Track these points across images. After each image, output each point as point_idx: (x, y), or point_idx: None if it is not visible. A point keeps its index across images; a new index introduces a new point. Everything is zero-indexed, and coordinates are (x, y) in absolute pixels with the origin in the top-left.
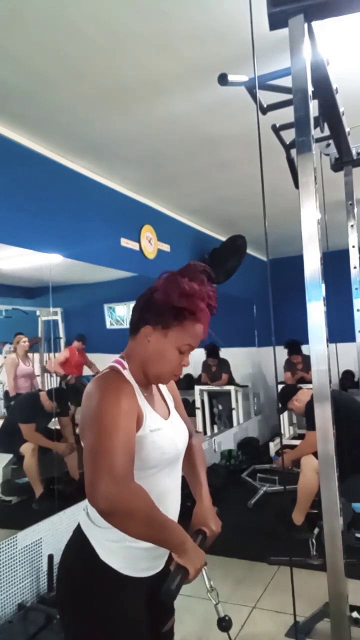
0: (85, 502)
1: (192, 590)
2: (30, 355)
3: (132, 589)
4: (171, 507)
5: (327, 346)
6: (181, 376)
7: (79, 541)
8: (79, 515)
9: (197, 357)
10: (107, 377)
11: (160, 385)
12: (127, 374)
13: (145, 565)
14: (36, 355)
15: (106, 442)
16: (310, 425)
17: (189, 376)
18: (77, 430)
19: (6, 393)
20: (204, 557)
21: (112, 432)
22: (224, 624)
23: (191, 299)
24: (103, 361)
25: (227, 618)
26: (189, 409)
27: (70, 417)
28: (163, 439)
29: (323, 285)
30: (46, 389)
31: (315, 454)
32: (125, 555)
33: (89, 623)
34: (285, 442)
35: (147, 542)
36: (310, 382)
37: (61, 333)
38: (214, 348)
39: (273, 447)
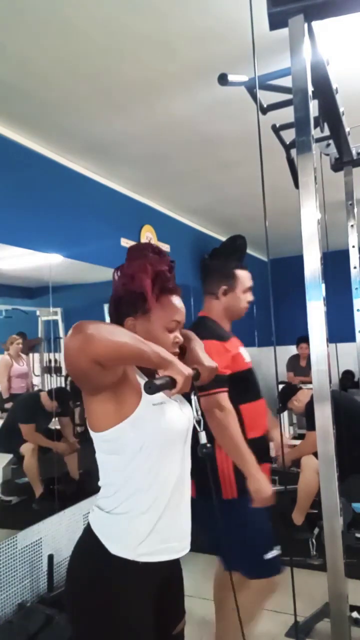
0: (89, 501)
1: (192, 590)
2: (24, 356)
3: (143, 582)
4: (184, 496)
5: (327, 346)
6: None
7: (87, 539)
8: (90, 514)
9: None
10: None
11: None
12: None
13: (158, 548)
14: (36, 356)
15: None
16: (310, 425)
17: None
18: (86, 421)
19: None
20: (191, 374)
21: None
22: (205, 450)
23: (135, 277)
24: None
25: (208, 446)
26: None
27: (70, 416)
28: (169, 411)
29: (323, 285)
30: (46, 388)
31: (315, 454)
32: (140, 541)
33: (97, 621)
34: (286, 442)
35: (158, 524)
36: (309, 382)
37: (61, 333)
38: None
39: (273, 447)
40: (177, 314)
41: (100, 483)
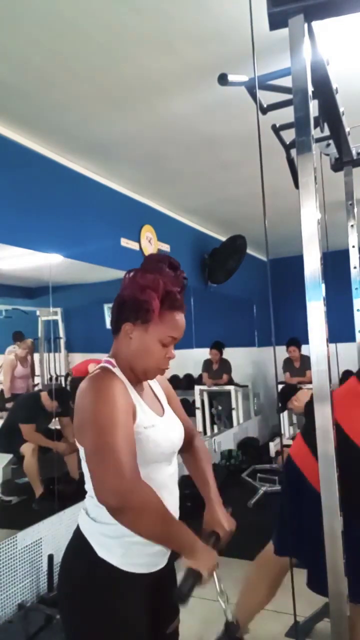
0: (84, 503)
1: (188, 605)
2: (29, 358)
3: (132, 586)
4: (169, 504)
5: (327, 346)
6: (180, 376)
7: (78, 541)
8: (78, 517)
9: (198, 357)
10: (98, 376)
11: (152, 384)
12: (117, 372)
13: (144, 560)
14: (36, 356)
15: (108, 440)
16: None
17: (189, 376)
18: (74, 431)
19: (1, 393)
20: (216, 558)
21: (112, 430)
22: (232, 628)
23: (146, 291)
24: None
25: (235, 622)
26: (189, 409)
27: (70, 416)
28: (158, 435)
29: (323, 285)
30: (46, 389)
31: None
32: (124, 551)
33: (88, 621)
34: (285, 442)
35: (137, 536)
36: (307, 383)
37: (61, 333)
38: (219, 344)
39: (273, 447)
40: (175, 330)
41: (86, 487)
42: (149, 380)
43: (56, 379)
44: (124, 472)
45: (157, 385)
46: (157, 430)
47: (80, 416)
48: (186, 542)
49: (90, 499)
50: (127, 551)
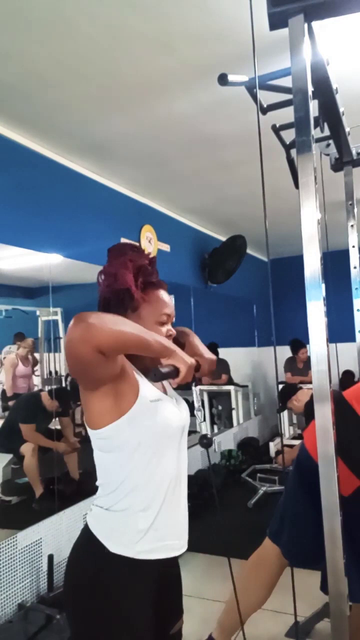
0: (89, 501)
1: (192, 590)
2: (30, 358)
3: (143, 579)
4: (182, 496)
5: (327, 346)
6: None
7: (86, 538)
8: (87, 516)
9: None
10: None
11: None
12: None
13: (160, 544)
14: (36, 356)
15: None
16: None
17: None
18: (84, 418)
19: (3, 392)
20: (194, 362)
21: None
22: (205, 441)
23: (118, 276)
24: None
25: (208, 436)
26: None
27: (70, 416)
28: (166, 409)
29: (323, 285)
30: (46, 388)
31: None
32: (137, 538)
33: (96, 620)
34: (285, 442)
35: (157, 521)
36: (309, 382)
37: (61, 333)
38: (213, 346)
39: (273, 447)
40: (166, 307)
41: (98, 482)
42: None
43: (56, 379)
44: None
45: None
46: (164, 403)
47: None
48: (162, 342)
49: (102, 490)
50: (140, 539)
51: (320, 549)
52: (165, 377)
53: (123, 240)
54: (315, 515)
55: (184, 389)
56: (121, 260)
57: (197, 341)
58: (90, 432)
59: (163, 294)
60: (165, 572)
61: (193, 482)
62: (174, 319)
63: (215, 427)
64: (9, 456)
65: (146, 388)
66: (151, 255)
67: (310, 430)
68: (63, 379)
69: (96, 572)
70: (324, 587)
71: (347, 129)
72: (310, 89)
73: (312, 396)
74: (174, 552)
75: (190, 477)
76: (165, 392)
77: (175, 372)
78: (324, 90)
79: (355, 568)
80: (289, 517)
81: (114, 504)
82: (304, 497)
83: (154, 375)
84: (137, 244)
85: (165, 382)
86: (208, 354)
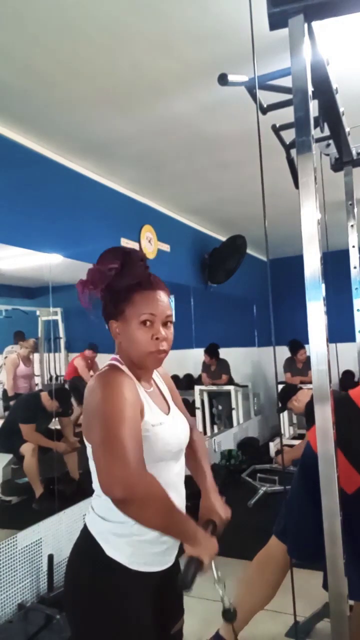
0: (91, 502)
1: (193, 590)
2: (31, 358)
3: (139, 585)
4: (175, 501)
5: (327, 346)
6: (180, 376)
7: (85, 540)
8: (86, 516)
9: (197, 357)
10: (107, 373)
11: (158, 381)
12: (125, 369)
13: (153, 559)
14: (35, 356)
15: (115, 432)
16: (310, 425)
17: (189, 376)
18: (82, 429)
19: (4, 392)
20: (216, 546)
21: (119, 422)
22: (229, 615)
23: (96, 280)
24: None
25: (232, 610)
26: (189, 409)
27: (74, 421)
28: (165, 433)
29: (323, 285)
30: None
31: None
32: (133, 549)
33: (95, 621)
34: (285, 442)
35: (154, 535)
36: (309, 382)
37: (61, 333)
38: (213, 347)
39: (273, 447)
40: (148, 307)
41: (94, 486)
42: (154, 377)
43: (56, 378)
44: (129, 463)
45: (162, 383)
46: (164, 428)
47: (89, 411)
48: (188, 531)
49: (98, 498)
50: (137, 550)
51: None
52: (194, 580)
53: (123, 240)
54: (317, 512)
55: (185, 389)
56: (88, 271)
57: (212, 488)
58: (86, 442)
59: (149, 294)
60: (164, 574)
61: (193, 482)
62: (172, 320)
63: (215, 427)
64: (9, 456)
65: (150, 411)
66: (124, 259)
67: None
68: (62, 379)
69: (96, 574)
70: (326, 585)
71: (347, 129)
72: (310, 89)
73: (312, 396)
74: (168, 564)
75: (190, 477)
76: (168, 407)
77: (200, 566)
78: (324, 90)
79: (354, 566)
80: (294, 513)
81: (110, 514)
82: (307, 493)
83: (186, 587)
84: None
85: (168, 397)
86: (224, 511)
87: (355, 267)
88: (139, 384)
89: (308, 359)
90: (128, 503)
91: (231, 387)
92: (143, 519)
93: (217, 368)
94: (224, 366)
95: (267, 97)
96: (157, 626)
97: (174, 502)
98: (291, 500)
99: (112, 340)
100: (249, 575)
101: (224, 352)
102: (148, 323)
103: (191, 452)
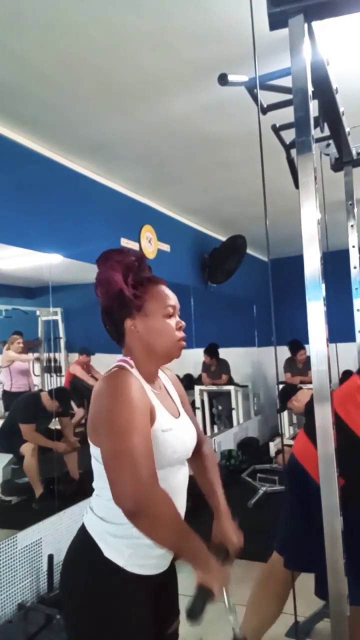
0: (90, 502)
1: (189, 591)
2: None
3: (137, 587)
4: (179, 505)
5: (327, 346)
6: (180, 376)
7: (83, 540)
8: (84, 515)
9: (198, 357)
10: (115, 375)
11: (167, 384)
12: (135, 372)
13: (151, 562)
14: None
15: (126, 444)
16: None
17: (189, 376)
18: (87, 430)
19: (4, 393)
20: (228, 575)
21: (129, 433)
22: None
23: (111, 280)
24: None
25: (243, 639)
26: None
27: (75, 423)
28: (174, 439)
29: (323, 285)
30: (47, 389)
31: None
32: (132, 551)
33: (91, 621)
34: (285, 442)
35: (145, 537)
36: (309, 382)
37: (61, 333)
38: (213, 347)
39: (273, 447)
40: (168, 299)
41: (94, 485)
42: (162, 381)
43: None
44: (141, 477)
45: (170, 386)
46: (173, 433)
47: (97, 416)
48: (201, 557)
49: (98, 498)
50: (135, 552)
51: (313, 554)
52: (203, 611)
53: (123, 240)
54: (305, 521)
55: (185, 389)
56: (108, 264)
57: (225, 516)
58: (93, 446)
59: (164, 288)
60: (161, 576)
61: (193, 482)
62: (178, 310)
63: (215, 427)
64: (9, 456)
65: (161, 416)
66: (138, 254)
67: (299, 438)
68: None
69: (92, 573)
70: (317, 592)
71: (347, 129)
72: (310, 89)
73: (312, 396)
74: (163, 568)
75: (190, 477)
76: (178, 411)
77: (210, 596)
78: (324, 90)
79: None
80: (286, 525)
81: (109, 515)
82: (296, 503)
83: (196, 620)
84: (125, 247)
85: (177, 401)
86: (237, 537)
87: (355, 267)
88: (148, 386)
89: (308, 359)
90: (138, 517)
91: (231, 387)
92: (155, 536)
93: (217, 368)
94: (224, 366)
95: (267, 97)
96: (154, 626)
97: (186, 524)
98: (284, 511)
99: (110, 341)
100: (255, 592)
101: (224, 352)
102: (171, 314)
103: (202, 469)
